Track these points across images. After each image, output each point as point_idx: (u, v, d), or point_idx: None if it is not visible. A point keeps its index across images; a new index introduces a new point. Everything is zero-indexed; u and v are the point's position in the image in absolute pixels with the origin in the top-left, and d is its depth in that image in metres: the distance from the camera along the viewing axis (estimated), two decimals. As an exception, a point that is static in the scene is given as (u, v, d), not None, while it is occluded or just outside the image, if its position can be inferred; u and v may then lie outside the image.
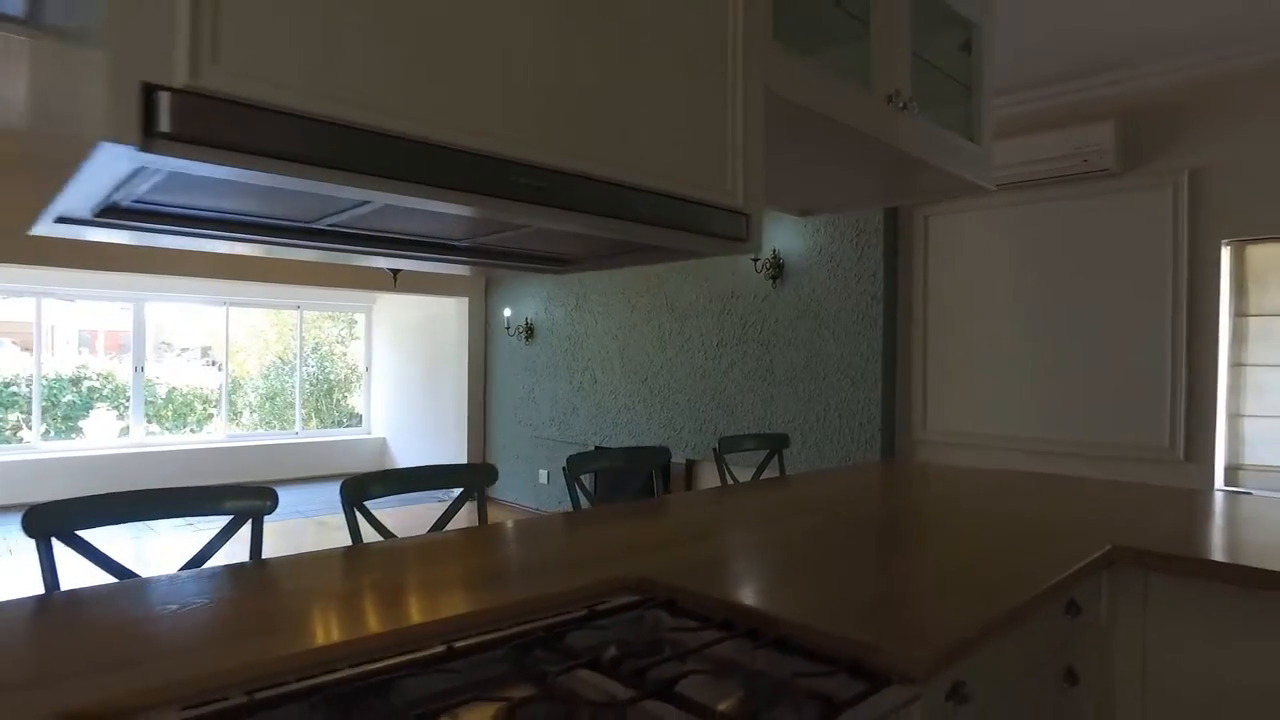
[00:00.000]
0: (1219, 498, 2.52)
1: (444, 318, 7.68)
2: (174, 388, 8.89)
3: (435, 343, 7.96)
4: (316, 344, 10.06)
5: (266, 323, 9.83)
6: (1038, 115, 3.95)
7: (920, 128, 1.92)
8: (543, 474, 6.74)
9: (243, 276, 6.70)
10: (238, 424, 9.16)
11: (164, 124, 0.73)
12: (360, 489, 1.89)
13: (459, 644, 1.16)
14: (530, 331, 6.86)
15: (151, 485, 6.65)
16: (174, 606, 1.30)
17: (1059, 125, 3.80)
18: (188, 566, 1.62)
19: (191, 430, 8.95)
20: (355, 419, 9.94)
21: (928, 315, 4.46)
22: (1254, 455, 3.56)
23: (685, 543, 1.79)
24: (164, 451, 8.08)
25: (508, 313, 7.02)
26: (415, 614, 1.25)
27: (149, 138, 0.73)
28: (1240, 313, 3.59)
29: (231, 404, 9.07)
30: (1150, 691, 1.84)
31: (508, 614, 1.30)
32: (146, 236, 1.22)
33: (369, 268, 6.10)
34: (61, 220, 1.11)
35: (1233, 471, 3.59)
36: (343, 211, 1.15)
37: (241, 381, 9.33)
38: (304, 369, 9.60)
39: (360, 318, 9.85)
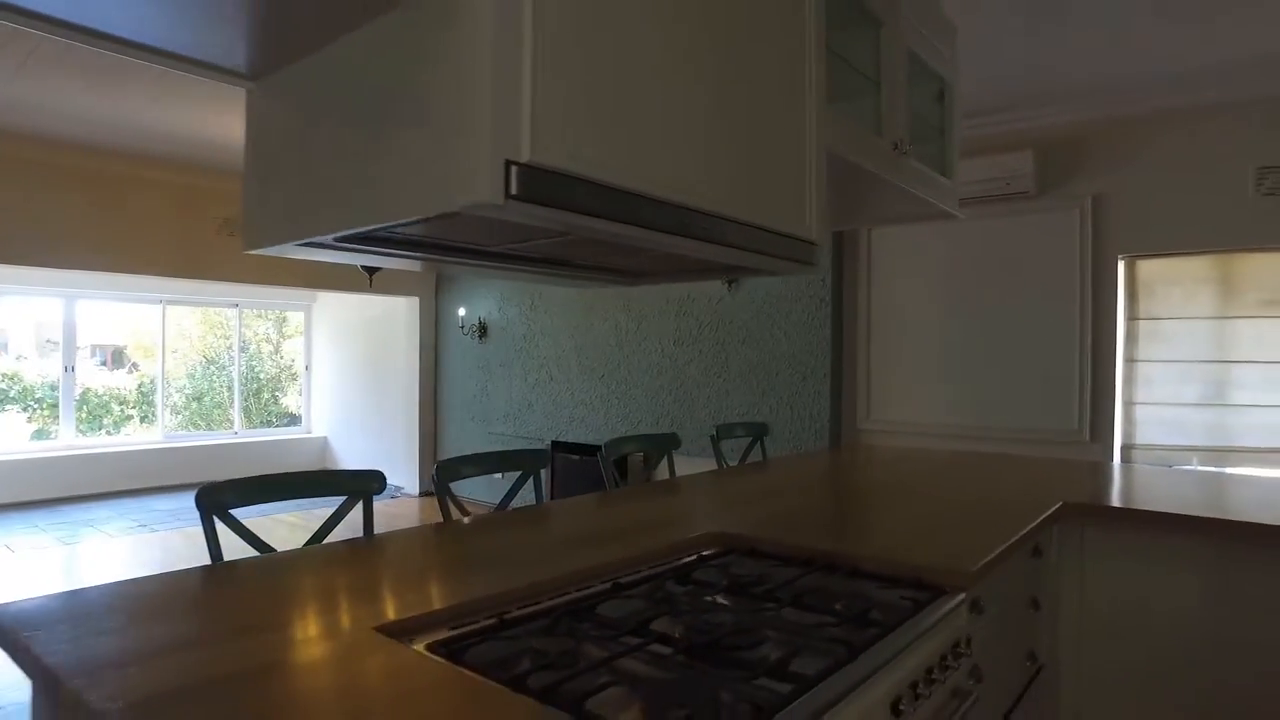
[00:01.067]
0: (1119, 468, 3.09)
1: (393, 317, 7.80)
2: (89, 388, 8.63)
3: (384, 341, 8.07)
4: (244, 342, 9.93)
5: (191, 321, 9.63)
6: (969, 143, 4.50)
7: (915, 169, 2.36)
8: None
9: (182, 274, 6.65)
10: (157, 426, 8.96)
11: (514, 189, 1.05)
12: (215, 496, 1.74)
13: (622, 579, 1.50)
14: (484, 330, 7.09)
15: (84, 489, 6.51)
16: (406, 558, 1.58)
17: (986, 153, 4.36)
18: (310, 543, 1.87)
19: (108, 433, 8.71)
20: (287, 418, 9.86)
21: (870, 317, 4.98)
22: (1143, 436, 4.21)
23: (737, 507, 2.16)
24: (95, 454, 7.89)
25: (462, 312, 7.22)
26: (582, 560, 1.58)
27: (507, 199, 1.05)
28: (1132, 316, 4.24)
29: (151, 405, 8.87)
30: (1085, 612, 2.34)
31: (642, 560, 1.64)
32: (356, 256, 1.51)
33: (315, 264, 6.19)
34: (309, 244, 1.40)
35: (1127, 449, 4.23)
36: (528, 241, 1.47)
37: (167, 381, 9.14)
38: (233, 369, 9.48)
39: (294, 316, 9.79)
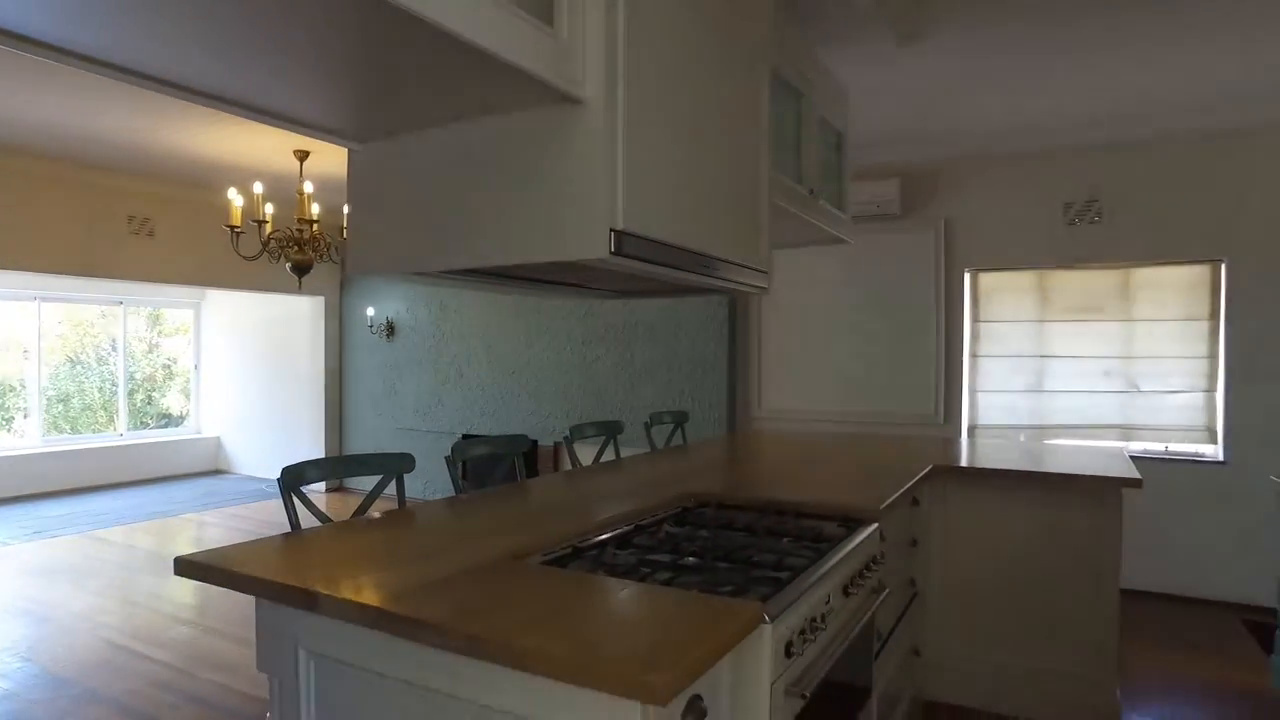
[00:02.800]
0: (967, 442, 3.89)
1: (296, 315, 7.88)
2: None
3: (284, 340, 8.11)
4: (115, 342, 9.58)
5: (52, 320, 9.19)
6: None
7: (824, 208, 3.01)
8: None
9: (63, 270, 6.49)
10: (10, 430, 8.54)
11: (612, 246, 1.57)
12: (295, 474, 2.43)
13: (645, 521, 2.04)
14: (392, 330, 7.34)
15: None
16: (466, 517, 2.05)
17: (862, 180, 5.12)
18: (358, 513, 2.28)
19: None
20: (166, 419, 9.62)
21: (761, 319, 5.69)
22: (984, 418, 5.12)
23: (693, 476, 2.73)
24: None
25: (370, 311, 7.43)
26: (602, 513, 2.10)
27: (610, 254, 1.57)
28: (975, 319, 5.14)
29: (4, 408, 8.46)
30: (948, 548, 3.08)
31: (645, 512, 2.18)
32: (445, 282, 1.97)
33: (215, 261, 6.23)
34: (418, 274, 1.85)
35: (972, 429, 5.13)
36: (582, 270, 1.98)
37: (24, 385, 8.70)
38: (103, 369, 9.16)
39: (175, 314, 9.56)
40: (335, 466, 2.25)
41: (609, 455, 3.45)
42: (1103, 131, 4.69)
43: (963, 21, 3.28)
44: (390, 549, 1.74)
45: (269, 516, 6.73)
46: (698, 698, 1.23)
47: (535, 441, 6.34)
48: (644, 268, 1.69)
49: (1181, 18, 3.27)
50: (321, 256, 5.16)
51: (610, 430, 3.50)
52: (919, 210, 5.19)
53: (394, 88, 1.55)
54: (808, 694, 1.51)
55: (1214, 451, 4.59)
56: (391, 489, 2.37)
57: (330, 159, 5.27)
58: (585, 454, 3.39)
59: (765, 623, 1.37)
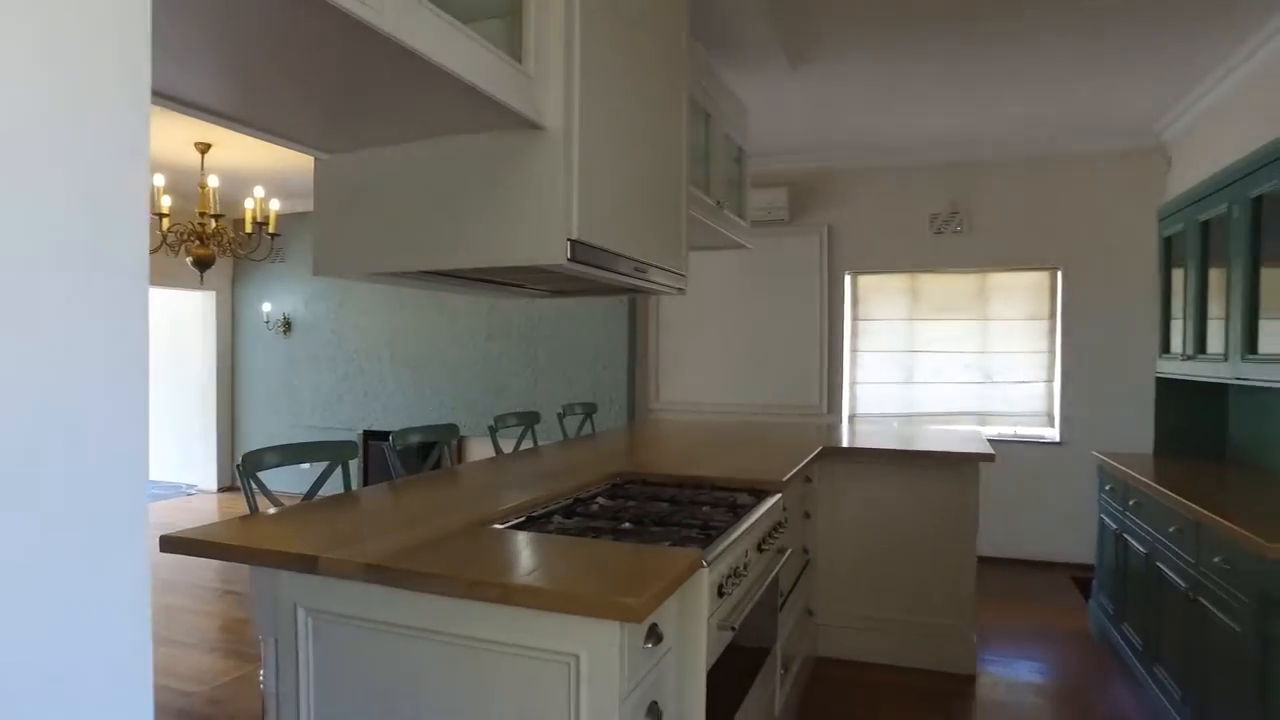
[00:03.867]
0: (849, 428, 4.35)
1: (185, 311, 7.63)
2: None
3: (173, 337, 7.83)
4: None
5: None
6: (735, 178, 5.69)
7: (728, 217, 3.34)
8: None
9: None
10: None
11: (569, 253, 1.83)
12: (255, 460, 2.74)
13: (581, 495, 2.30)
14: (289, 326, 7.25)
15: None
16: (423, 496, 2.24)
17: (754, 187, 5.53)
18: (307, 497, 2.44)
19: None
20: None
21: (659, 317, 6.03)
22: (863, 407, 5.64)
23: (614, 459, 3.01)
24: None
25: (267, 307, 7.30)
26: (544, 489, 2.35)
27: (567, 260, 1.82)
28: (855, 318, 5.65)
29: None
30: (836, 519, 3.49)
31: (580, 488, 2.44)
32: (406, 282, 2.17)
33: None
34: (374, 275, 2.05)
35: (852, 417, 5.64)
36: (535, 273, 2.22)
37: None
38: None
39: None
40: (292, 452, 2.40)
41: (526, 445, 3.68)
42: (964, 152, 5.28)
43: (848, 51, 3.70)
44: (365, 521, 1.93)
45: (159, 518, 6.54)
46: (655, 625, 1.51)
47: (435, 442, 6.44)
48: (593, 272, 1.95)
49: (1028, 63, 3.81)
50: (225, 251, 5.12)
51: (529, 420, 3.73)
52: (805, 217, 5.66)
53: (379, 111, 1.75)
54: (735, 627, 1.82)
55: (1052, 434, 5.26)
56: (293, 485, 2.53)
57: (233, 151, 5.23)
58: (484, 447, 3.61)
59: (703, 567, 1.67)
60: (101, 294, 0.68)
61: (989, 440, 4.80)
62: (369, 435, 6.89)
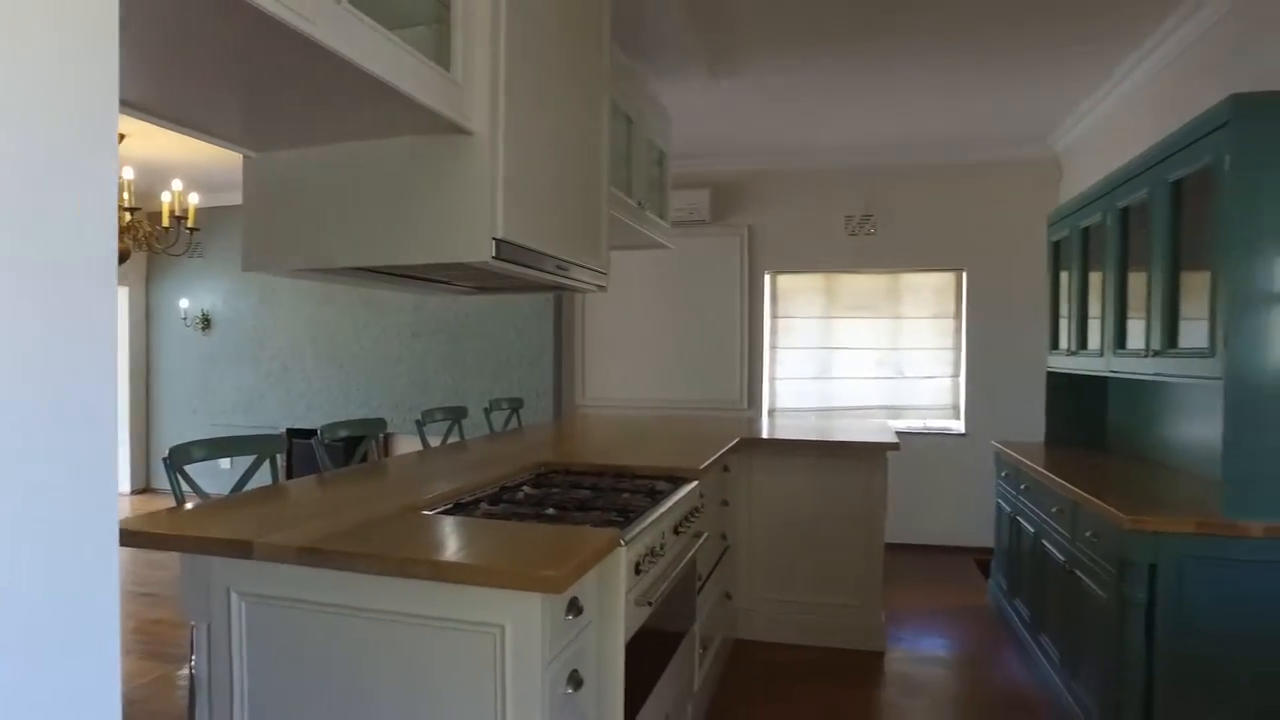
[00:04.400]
0: (768, 421, 4.55)
1: (92, 307, 7.36)
2: None
3: (80, 333, 7.54)
4: None
5: None
6: (660, 180, 5.84)
7: (650, 218, 3.48)
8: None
9: None
10: None
11: (494, 251, 1.93)
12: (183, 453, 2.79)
13: (507, 484, 2.40)
14: (207, 322, 7.09)
15: None
16: (357, 486, 2.30)
17: (677, 189, 5.69)
18: (235, 489, 2.47)
19: None
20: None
21: (585, 315, 6.14)
22: (782, 401, 5.88)
23: (538, 450, 3.11)
24: None
25: (184, 304, 7.12)
26: (472, 479, 2.44)
27: (491, 258, 1.93)
28: (774, 315, 5.88)
29: None
30: (753, 506, 3.68)
31: (506, 477, 2.54)
32: (335, 279, 2.23)
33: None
34: (302, 271, 2.11)
35: (772, 412, 5.86)
36: (460, 270, 2.30)
37: None
38: None
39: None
40: (220, 446, 2.42)
41: (453, 440, 3.75)
42: (877, 158, 5.56)
43: (765, 62, 3.89)
44: (295, 509, 2.00)
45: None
46: (576, 599, 1.63)
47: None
48: (517, 270, 2.06)
49: (930, 79, 4.07)
50: (140, 245, 5.01)
51: (456, 415, 3.80)
52: (727, 218, 5.85)
53: (309, 114, 1.81)
54: (652, 602, 1.95)
55: (958, 426, 5.58)
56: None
57: (150, 143, 5.12)
58: (411, 444, 3.67)
59: (621, 545, 1.80)
60: (66, 294, 0.70)
61: (900, 433, 5.07)
62: (293, 433, 6.79)
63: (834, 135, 5.21)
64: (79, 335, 0.71)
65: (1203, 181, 2.47)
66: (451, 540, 1.70)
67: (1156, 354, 2.80)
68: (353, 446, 3.26)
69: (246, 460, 2.47)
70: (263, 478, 2.48)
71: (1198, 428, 3.05)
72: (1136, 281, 2.99)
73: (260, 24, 1.31)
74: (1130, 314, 3.06)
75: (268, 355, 6.94)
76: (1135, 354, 3.00)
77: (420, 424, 3.48)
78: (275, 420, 6.87)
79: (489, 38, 1.90)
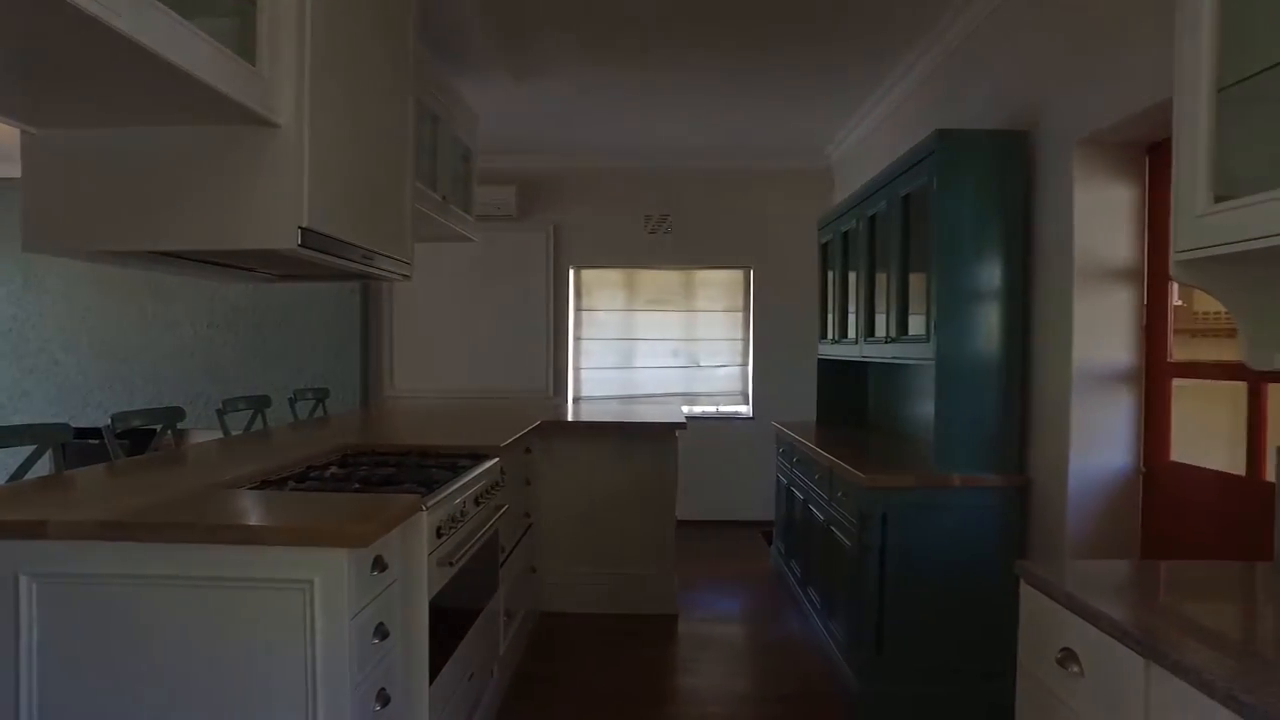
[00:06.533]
0: (572, 406, 4.82)
1: None
2: None
3: None
4: None
5: None
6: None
7: (455, 212, 3.62)
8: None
9: None
10: None
11: (300, 240, 2.03)
12: None
13: (314, 465, 2.48)
14: (-45, 311, 6.33)
15: None
16: (163, 469, 2.29)
17: (484, 184, 5.80)
18: (14, 478, 2.39)
19: None
20: None
21: (394, 305, 6.13)
22: (587, 390, 6.18)
23: (346, 435, 3.18)
24: None
25: (-77, 290, 6.31)
26: (283, 459, 2.50)
27: (298, 246, 2.02)
28: (579, 308, 6.16)
29: None
30: (555, 485, 3.92)
31: (315, 457, 2.61)
32: (130, 263, 2.23)
33: None
34: (162, 253, 2.10)
35: (576, 400, 6.14)
36: (265, 257, 2.36)
37: None
38: None
39: None
40: (-7, 434, 2.32)
41: (256, 429, 3.71)
42: (673, 161, 5.98)
43: (564, 70, 4.14)
44: (89, 492, 1.99)
45: None
46: (381, 557, 1.79)
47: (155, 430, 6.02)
48: (324, 258, 2.16)
49: (714, 94, 4.49)
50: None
51: (259, 404, 3.75)
52: (534, 214, 6.06)
53: (106, 98, 1.82)
54: (454, 563, 2.13)
55: (746, 410, 6.13)
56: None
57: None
58: (210, 438, 3.61)
59: (423, 510, 1.97)
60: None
61: (695, 417, 5.53)
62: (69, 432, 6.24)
63: (634, 139, 5.57)
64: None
65: (923, 198, 2.98)
66: (260, 508, 1.80)
67: (893, 340, 3.32)
68: (144, 440, 3.16)
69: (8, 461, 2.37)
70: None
71: (925, 402, 3.63)
72: (881, 279, 3.52)
73: (62, 19, 1.35)
74: (877, 308, 3.59)
75: (32, 348, 6.32)
76: (880, 341, 3.53)
77: (221, 414, 3.43)
78: (45, 419, 6.27)
79: (295, 32, 1.99)
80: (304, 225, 2.02)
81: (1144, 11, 2.20)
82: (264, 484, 2.20)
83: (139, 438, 3.33)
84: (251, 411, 3.73)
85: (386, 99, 2.62)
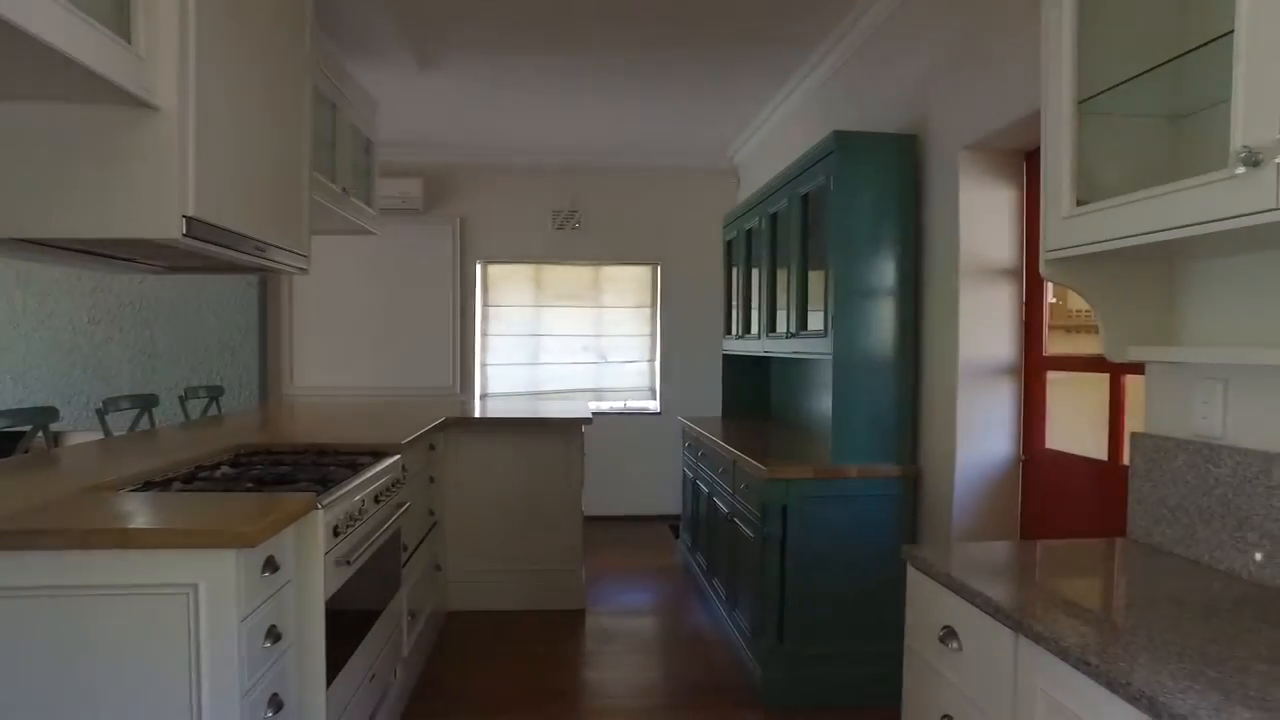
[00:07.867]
0: (479, 403, 4.77)
1: None
2: None
3: None
4: None
5: None
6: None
7: (354, 204, 3.52)
8: None
9: None
10: None
11: (185, 229, 1.94)
12: None
13: (204, 464, 2.38)
14: None
15: None
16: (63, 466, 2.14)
17: (390, 176, 5.67)
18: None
19: None
20: None
21: (293, 302, 5.92)
22: (493, 387, 6.11)
23: (239, 434, 3.06)
24: None
25: None
26: (172, 458, 2.38)
27: (182, 236, 1.94)
28: (486, 304, 6.09)
29: None
30: (460, 482, 3.88)
31: (207, 457, 2.50)
32: (9, 250, 2.09)
33: None
34: (29, 241, 1.97)
35: (484, 396, 6.07)
36: (146, 246, 2.24)
37: None
38: None
39: None
40: None
41: (142, 429, 3.52)
42: (582, 157, 5.98)
43: (471, 59, 4.08)
44: (-54, 498, 1.85)
45: None
46: (273, 557, 1.73)
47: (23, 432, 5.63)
48: (213, 249, 2.07)
49: (622, 92, 4.51)
50: None
51: (145, 403, 3.57)
52: (439, 207, 5.96)
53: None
54: (351, 562, 2.09)
55: (654, 405, 6.19)
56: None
57: None
58: (89, 440, 3.42)
59: (318, 509, 1.92)
60: None
61: (603, 413, 5.54)
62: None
63: (541, 134, 5.54)
64: None
65: (820, 197, 3.08)
66: (141, 511, 1.72)
67: (793, 335, 3.42)
68: (10, 444, 2.95)
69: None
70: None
71: (825, 396, 3.75)
72: (783, 276, 3.61)
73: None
74: (779, 304, 3.68)
75: (-116, 344, 5.82)
76: (781, 336, 3.62)
77: (102, 414, 3.24)
78: (-103, 421, 5.79)
79: (176, 8, 1.90)
80: (189, 214, 1.93)
81: (1019, 25, 2.33)
82: (147, 485, 2.09)
83: (3, 441, 3.10)
84: (137, 411, 3.54)
85: (281, 84, 2.53)
